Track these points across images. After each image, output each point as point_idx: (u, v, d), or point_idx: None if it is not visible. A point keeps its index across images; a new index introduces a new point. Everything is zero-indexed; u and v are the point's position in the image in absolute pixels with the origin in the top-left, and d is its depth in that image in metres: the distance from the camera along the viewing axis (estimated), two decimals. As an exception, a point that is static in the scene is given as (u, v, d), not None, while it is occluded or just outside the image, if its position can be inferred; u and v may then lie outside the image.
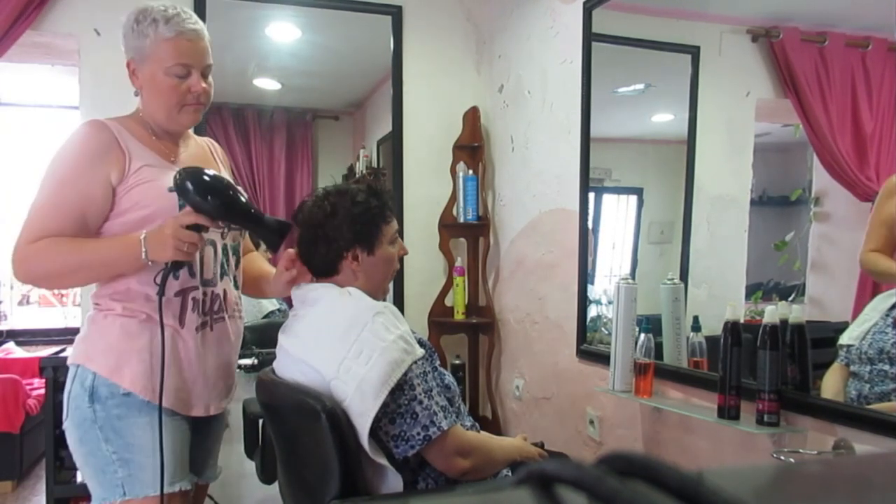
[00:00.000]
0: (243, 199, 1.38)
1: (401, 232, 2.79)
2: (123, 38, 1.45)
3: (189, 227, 1.31)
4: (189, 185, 1.32)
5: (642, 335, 1.73)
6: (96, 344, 1.42)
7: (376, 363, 1.31)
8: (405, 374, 1.33)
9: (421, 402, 1.35)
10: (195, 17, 1.46)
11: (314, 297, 1.48)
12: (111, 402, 1.38)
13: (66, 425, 1.43)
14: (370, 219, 1.49)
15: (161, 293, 1.35)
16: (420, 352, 1.38)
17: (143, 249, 1.33)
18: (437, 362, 1.49)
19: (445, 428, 1.35)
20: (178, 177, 1.33)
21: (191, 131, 1.60)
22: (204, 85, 1.45)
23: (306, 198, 1.56)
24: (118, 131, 1.42)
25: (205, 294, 1.47)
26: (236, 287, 1.58)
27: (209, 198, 1.32)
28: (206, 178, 1.35)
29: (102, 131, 1.41)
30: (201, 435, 1.55)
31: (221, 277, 1.51)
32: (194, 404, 1.48)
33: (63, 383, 2.29)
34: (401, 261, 1.62)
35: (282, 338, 1.52)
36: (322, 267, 1.51)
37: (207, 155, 1.62)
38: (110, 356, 1.40)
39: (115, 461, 1.38)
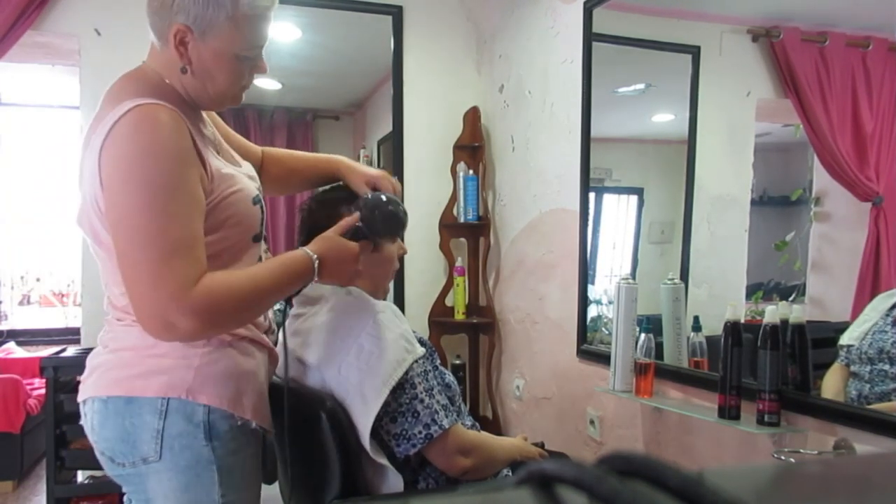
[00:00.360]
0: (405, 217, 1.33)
1: (401, 232, 2.79)
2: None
3: None
4: (379, 222, 1.29)
5: (643, 335, 1.73)
6: (204, 371, 1.18)
7: (377, 362, 1.31)
8: (406, 373, 1.33)
9: (422, 401, 1.35)
10: None
11: (315, 296, 1.48)
12: (229, 436, 1.19)
13: (158, 469, 1.16)
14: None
15: (284, 320, 1.33)
16: (421, 351, 1.39)
17: (315, 271, 1.19)
18: (438, 361, 1.49)
19: (447, 426, 1.35)
20: (370, 215, 1.27)
21: None
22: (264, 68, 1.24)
23: (307, 200, 1.55)
24: (185, 122, 1.11)
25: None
26: None
27: (389, 231, 1.33)
28: (394, 217, 1.31)
29: (181, 123, 1.10)
30: None
31: None
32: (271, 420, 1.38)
33: (65, 384, 2.32)
34: (401, 260, 1.62)
35: (283, 338, 1.52)
36: None
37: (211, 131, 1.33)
38: (228, 384, 1.19)
39: (228, 502, 1.20)
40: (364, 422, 1.29)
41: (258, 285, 1.13)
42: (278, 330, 1.41)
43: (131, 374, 1.17)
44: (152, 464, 1.15)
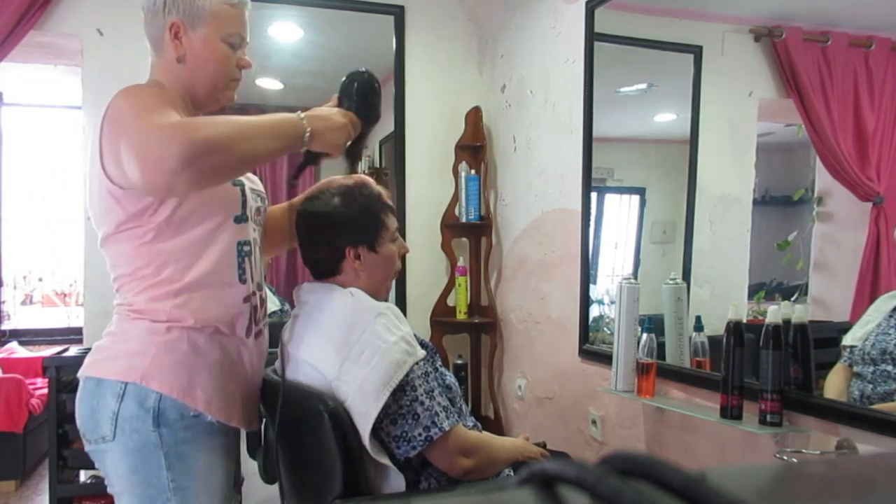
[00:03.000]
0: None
1: (403, 232, 2.79)
2: None
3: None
4: (365, 97, 1.38)
5: (645, 335, 1.73)
6: (159, 359, 1.24)
7: (378, 364, 1.31)
8: (407, 375, 1.33)
9: (422, 403, 1.35)
10: None
11: (316, 297, 1.47)
12: (179, 424, 1.24)
13: (112, 448, 1.24)
14: (372, 216, 1.48)
15: (293, 184, 1.36)
16: (421, 353, 1.38)
17: (307, 130, 1.23)
18: (439, 363, 1.49)
19: (447, 428, 1.35)
20: (359, 83, 1.36)
21: None
22: (247, 61, 1.37)
23: (304, 198, 1.54)
24: (173, 99, 1.27)
25: (261, 300, 1.40)
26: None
27: (372, 112, 1.38)
28: (376, 93, 1.38)
29: (162, 90, 1.28)
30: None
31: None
32: (252, 418, 1.41)
33: (67, 383, 2.32)
34: (403, 260, 1.62)
35: (284, 338, 1.52)
36: (324, 267, 1.50)
37: None
38: (181, 374, 1.24)
39: (171, 489, 1.24)
40: (364, 423, 1.29)
41: (241, 122, 1.18)
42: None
43: (103, 358, 1.28)
44: (108, 443, 1.24)
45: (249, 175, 1.44)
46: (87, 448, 1.30)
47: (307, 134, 1.23)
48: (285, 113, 1.25)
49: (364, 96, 1.38)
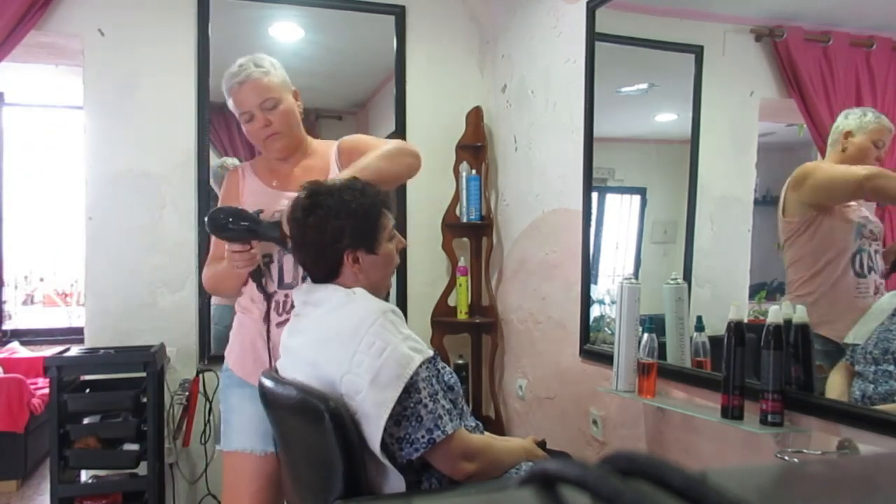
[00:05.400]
0: (240, 224, 1.62)
1: (404, 232, 2.79)
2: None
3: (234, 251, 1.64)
4: (208, 227, 1.65)
5: (645, 335, 1.73)
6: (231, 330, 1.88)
7: (390, 355, 1.31)
8: (412, 377, 1.33)
9: (426, 406, 1.34)
10: (262, 59, 1.76)
11: (318, 297, 1.47)
12: (226, 373, 1.83)
13: None
14: (368, 218, 1.46)
15: (263, 293, 1.74)
16: (429, 352, 1.39)
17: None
18: (440, 363, 1.48)
19: (450, 431, 1.35)
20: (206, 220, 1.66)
21: (311, 141, 1.87)
22: (265, 120, 1.73)
23: (296, 201, 1.51)
24: (243, 170, 1.85)
25: (286, 296, 1.72)
26: None
27: (225, 229, 1.62)
28: (211, 219, 1.63)
29: (233, 174, 1.87)
30: None
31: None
32: None
33: (68, 383, 2.33)
34: (403, 255, 1.62)
35: (285, 338, 1.52)
36: (323, 272, 1.49)
37: (322, 163, 1.81)
38: (229, 342, 1.86)
39: (223, 412, 1.86)
40: (381, 412, 1.29)
41: (216, 268, 1.83)
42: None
43: None
44: None
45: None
46: None
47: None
48: None
49: (219, 229, 1.63)
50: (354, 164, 1.66)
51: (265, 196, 1.76)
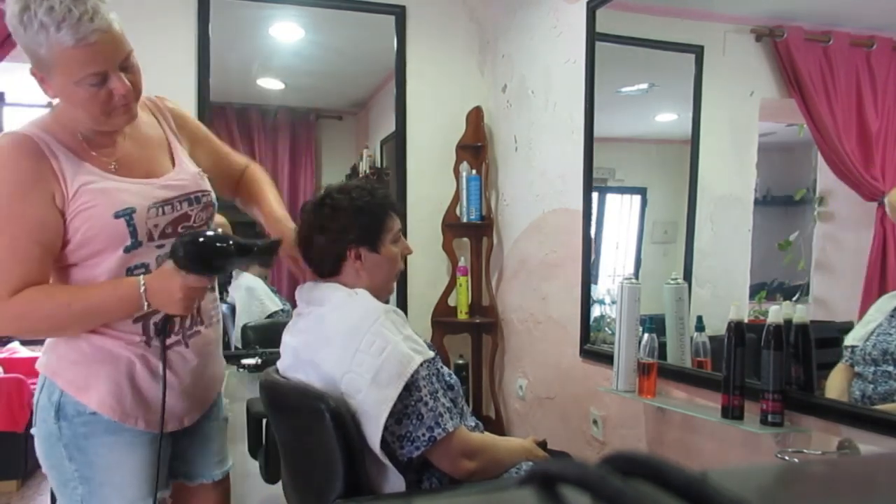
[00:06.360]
0: (233, 249, 1.29)
1: (404, 232, 2.78)
2: (15, 38, 1.22)
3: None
4: (188, 261, 1.24)
5: (646, 335, 1.73)
6: (66, 356, 1.33)
7: (391, 354, 1.32)
8: (413, 375, 1.33)
9: (426, 404, 1.35)
10: (90, 3, 1.17)
11: (319, 296, 1.48)
12: (78, 420, 1.32)
13: (34, 433, 1.37)
14: (373, 216, 1.48)
15: (163, 341, 1.34)
16: (430, 353, 1.39)
17: (145, 303, 1.25)
18: (440, 364, 1.49)
19: (451, 429, 1.35)
20: (175, 250, 1.25)
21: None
22: (126, 83, 1.24)
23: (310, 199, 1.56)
24: (47, 145, 1.25)
25: (174, 316, 1.35)
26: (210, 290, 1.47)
27: (209, 265, 1.27)
28: (200, 249, 1.27)
29: (31, 150, 1.24)
30: (189, 440, 1.49)
31: None
32: (167, 420, 1.37)
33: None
34: (405, 261, 1.62)
35: (286, 337, 1.52)
36: (325, 266, 1.50)
37: (156, 134, 1.43)
38: (79, 373, 1.32)
39: (76, 478, 1.33)
40: (381, 410, 1.30)
41: (68, 304, 1.27)
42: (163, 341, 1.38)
43: (43, 353, 1.39)
44: (32, 429, 1.38)
45: (179, 169, 1.41)
46: None
47: (146, 305, 1.27)
48: (125, 282, 1.28)
49: (195, 257, 1.26)
50: (279, 216, 1.54)
51: (103, 191, 1.27)
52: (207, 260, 1.26)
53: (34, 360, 3.99)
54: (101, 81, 1.22)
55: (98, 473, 1.33)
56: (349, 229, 1.46)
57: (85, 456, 1.32)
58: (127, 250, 1.30)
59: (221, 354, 1.56)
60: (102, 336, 1.32)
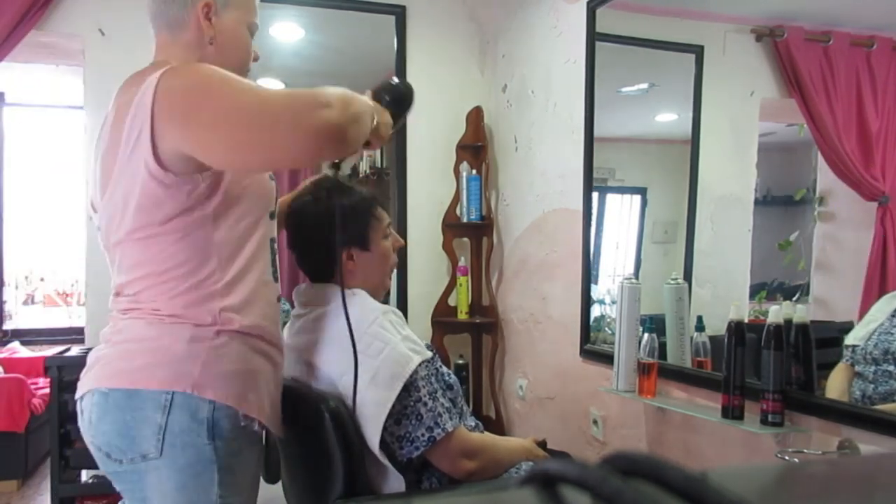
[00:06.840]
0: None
1: (404, 232, 2.79)
2: None
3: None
4: (393, 103, 1.32)
5: (646, 335, 1.73)
6: (211, 366, 1.14)
7: (388, 355, 1.32)
8: (412, 375, 1.33)
9: (426, 404, 1.35)
10: None
11: (318, 297, 1.47)
12: (231, 435, 1.14)
13: (158, 466, 1.12)
14: (360, 215, 1.47)
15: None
16: (428, 353, 1.39)
17: (375, 119, 1.19)
18: (439, 364, 1.49)
19: (450, 430, 1.35)
20: (380, 95, 1.29)
21: None
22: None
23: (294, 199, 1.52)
24: None
25: (278, 298, 1.31)
26: None
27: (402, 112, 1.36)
28: (405, 94, 1.37)
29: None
30: None
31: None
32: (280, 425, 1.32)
33: (69, 383, 2.32)
34: (402, 255, 1.62)
35: (286, 337, 1.52)
36: (318, 270, 1.49)
37: None
38: (235, 381, 1.16)
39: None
40: (380, 411, 1.30)
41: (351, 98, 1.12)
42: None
43: (134, 366, 1.14)
44: (152, 460, 1.11)
45: None
46: (111, 469, 1.16)
47: (374, 120, 1.20)
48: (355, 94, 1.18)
49: (399, 102, 1.34)
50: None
51: None
52: (409, 104, 1.38)
53: (34, 360, 4.03)
54: (254, 34, 1.28)
55: (240, 496, 1.19)
56: (338, 231, 1.42)
57: (233, 477, 1.16)
58: (271, 217, 1.29)
59: None
60: (247, 336, 1.19)
